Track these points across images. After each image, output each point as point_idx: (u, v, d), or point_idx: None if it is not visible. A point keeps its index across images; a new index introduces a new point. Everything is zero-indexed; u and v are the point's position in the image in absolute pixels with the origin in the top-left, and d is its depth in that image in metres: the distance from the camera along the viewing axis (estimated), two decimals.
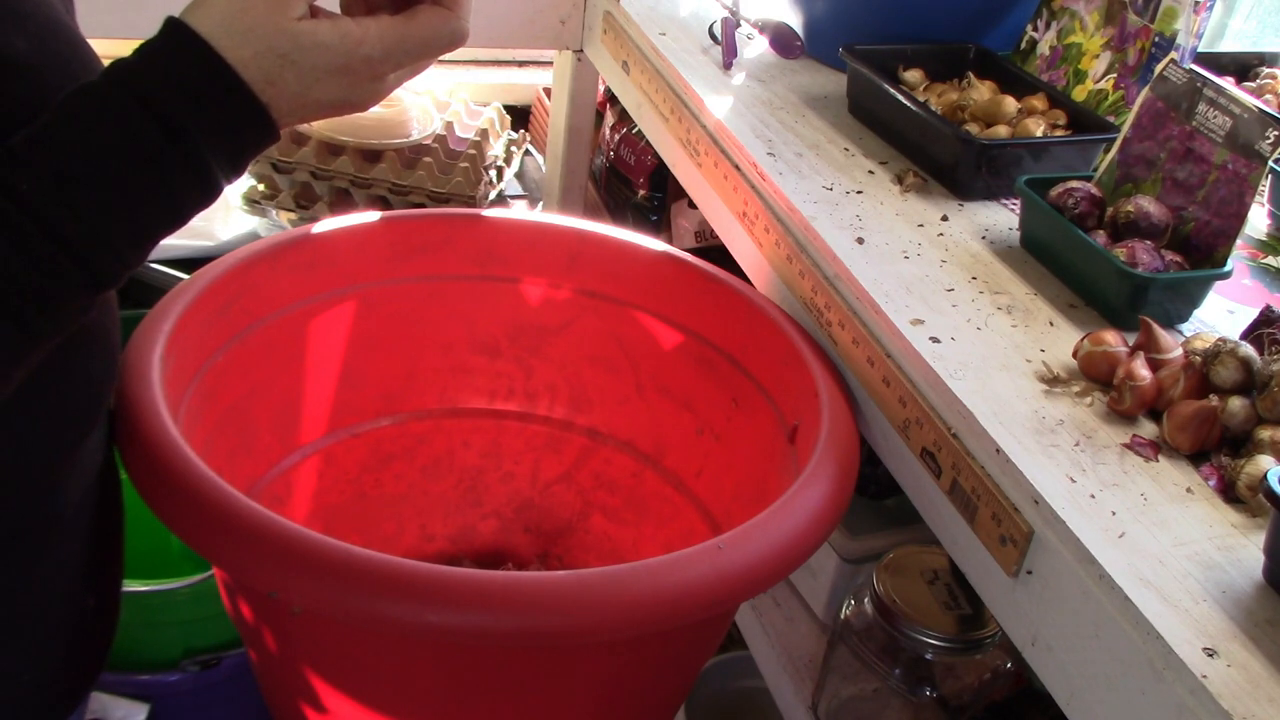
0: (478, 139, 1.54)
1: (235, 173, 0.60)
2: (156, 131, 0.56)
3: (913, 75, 1.13)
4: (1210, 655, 0.57)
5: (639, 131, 1.45)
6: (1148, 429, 0.74)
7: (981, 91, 1.08)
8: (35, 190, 0.53)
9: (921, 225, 0.94)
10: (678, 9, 1.31)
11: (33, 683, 0.72)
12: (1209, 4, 0.99)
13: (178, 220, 0.59)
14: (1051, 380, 0.76)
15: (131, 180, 0.56)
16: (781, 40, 1.23)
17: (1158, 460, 0.71)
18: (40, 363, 0.60)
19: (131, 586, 1.17)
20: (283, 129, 0.61)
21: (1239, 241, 0.88)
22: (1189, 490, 0.69)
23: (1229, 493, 0.69)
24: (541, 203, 1.62)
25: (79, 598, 0.74)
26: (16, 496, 0.66)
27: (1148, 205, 0.87)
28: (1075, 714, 0.64)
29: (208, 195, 0.59)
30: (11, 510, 0.66)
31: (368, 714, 0.78)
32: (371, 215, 1.02)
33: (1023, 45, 1.16)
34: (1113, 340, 0.77)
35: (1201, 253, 0.86)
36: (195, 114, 0.56)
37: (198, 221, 1.66)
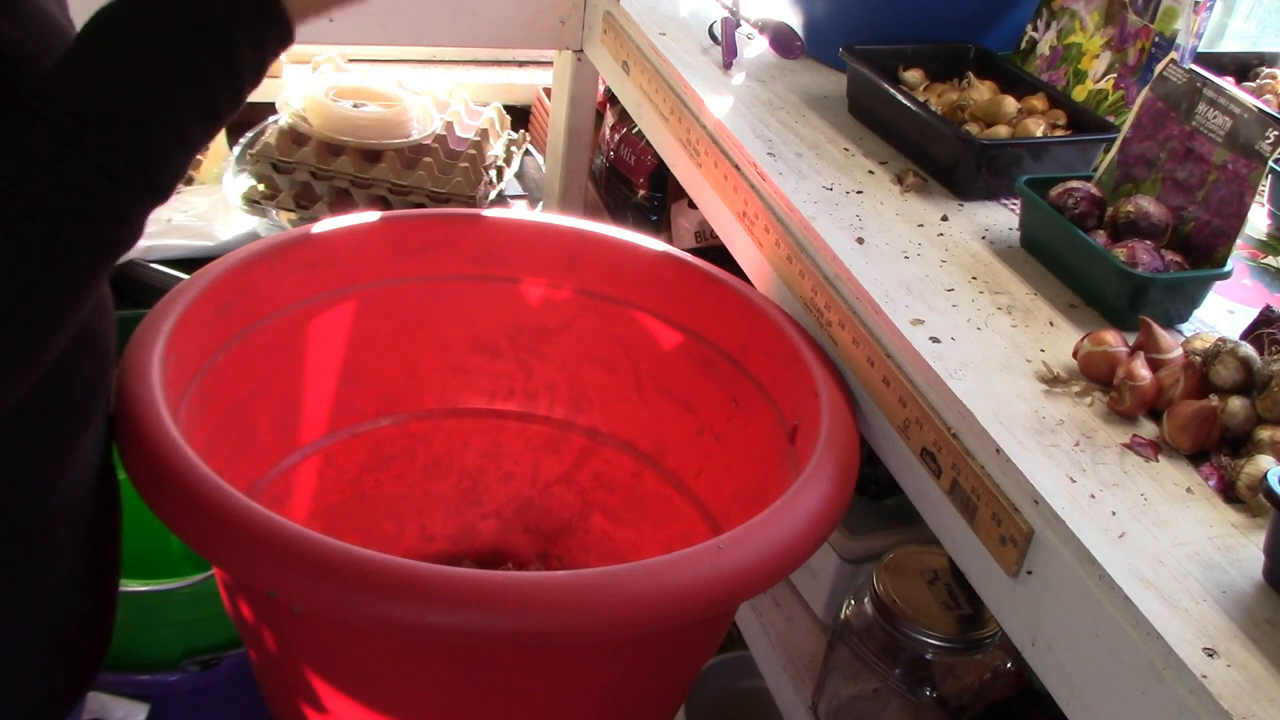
0: (478, 139, 1.54)
1: (257, 74, 0.62)
2: (186, 26, 0.58)
3: (913, 75, 1.13)
4: (1210, 655, 0.57)
5: (639, 131, 1.45)
6: (1148, 429, 0.74)
7: (981, 91, 1.08)
8: (82, 101, 0.55)
9: (921, 225, 0.94)
10: (678, 9, 1.31)
11: (28, 685, 0.72)
12: (1209, 4, 0.99)
13: (213, 118, 0.61)
14: (1051, 380, 0.76)
15: (166, 76, 0.58)
16: (781, 40, 1.23)
17: (1158, 460, 0.71)
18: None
19: (131, 586, 1.17)
20: (295, 25, 0.63)
21: (1239, 241, 0.88)
22: (1189, 490, 0.69)
23: (1229, 493, 0.69)
24: (541, 203, 1.62)
25: (75, 601, 0.74)
26: (12, 499, 0.66)
27: (1148, 205, 0.87)
28: (1075, 714, 0.64)
29: (237, 92, 0.61)
30: (7, 513, 0.66)
31: (368, 714, 0.78)
32: (371, 215, 1.02)
33: (1023, 45, 1.16)
34: (1113, 340, 0.77)
35: (1201, 253, 0.86)
36: (221, 5, 0.59)
37: (198, 221, 1.67)
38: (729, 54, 1.19)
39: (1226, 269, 0.85)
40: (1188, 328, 0.86)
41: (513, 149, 1.64)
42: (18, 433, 0.64)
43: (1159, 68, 0.90)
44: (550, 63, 1.55)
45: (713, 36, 1.23)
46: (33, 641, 0.72)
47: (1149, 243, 0.85)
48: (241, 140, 1.56)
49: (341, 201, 1.46)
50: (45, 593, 0.71)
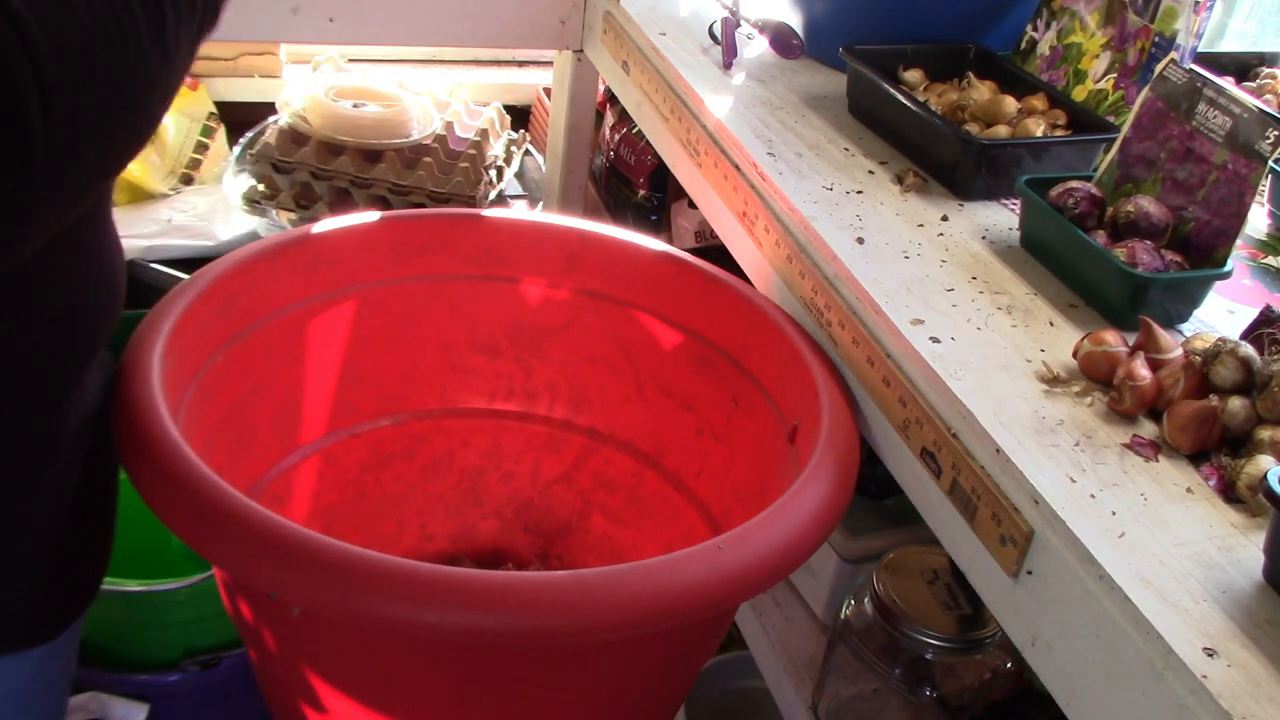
0: (478, 139, 1.54)
1: None
2: None
3: (913, 75, 1.13)
4: (1210, 655, 0.57)
5: (639, 131, 1.45)
6: (1148, 429, 0.74)
7: (981, 91, 1.08)
8: None
9: (921, 225, 0.94)
10: (678, 9, 1.31)
11: (20, 597, 0.75)
12: (1209, 4, 0.99)
13: None
14: (1051, 380, 0.76)
15: None
16: (781, 40, 1.23)
17: (1158, 460, 0.71)
18: (48, 283, 0.65)
19: (131, 586, 1.17)
20: None
21: (1239, 241, 0.88)
22: (1189, 490, 0.69)
23: (1229, 493, 0.69)
24: (541, 203, 1.62)
25: (74, 519, 0.77)
26: (25, 411, 0.69)
27: (1148, 205, 0.87)
28: (1075, 714, 0.64)
29: None
30: (20, 424, 0.69)
31: (368, 714, 0.78)
32: (371, 215, 1.02)
33: (1023, 45, 1.16)
34: (1113, 340, 0.77)
35: (1201, 253, 0.86)
36: None
37: (198, 221, 1.67)
38: (729, 54, 1.19)
39: (1226, 269, 0.85)
40: (1188, 328, 0.86)
41: (513, 149, 1.64)
42: (32, 351, 0.67)
43: (1159, 68, 0.90)
44: (550, 63, 1.55)
45: (713, 36, 1.23)
46: (30, 553, 0.74)
47: (1149, 243, 0.85)
48: (241, 140, 1.56)
49: (341, 201, 1.46)
50: (47, 507, 0.74)
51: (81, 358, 0.73)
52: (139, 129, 0.60)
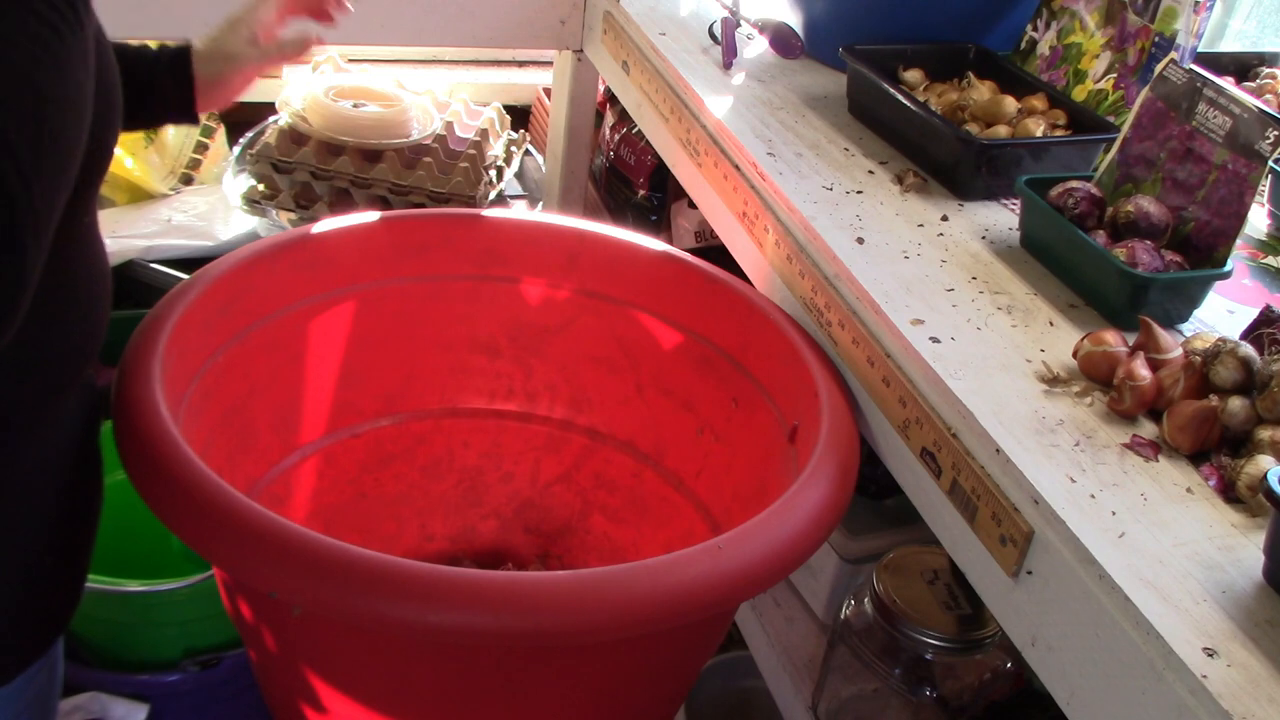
0: (478, 139, 1.54)
1: None
2: None
3: (913, 75, 1.13)
4: (1210, 655, 0.57)
5: (639, 131, 1.45)
6: (1148, 429, 0.74)
7: (981, 91, 1.08)
8: None
9: (921, 225, 0.94)
10: (678, 9, 1.31)
11: None
12: (1209, 4, 0.99)
13: None
14: (1051, 380, 0.76)
15: None
16: (781, 40, 1.23)
17: (1158, 460, 0.71)
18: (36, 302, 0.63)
19: (131, 586, 1.17)
20: None
21: (1239, 241, 0.88)
22: (1189, 490, 0.69)
23: (1229, 493, 0.69)
24: (541, 203, 1.62)
25: (40, 554, 0.75)
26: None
27: (1148, 205, 0.87)
28: (1075, 714, 0.64)
29: None
30: None
31: (368, 714, 0.78)
32: (371, 215, 1.02)
33: (1023, 45, 1.16)
34: (1113, 340, 0.77)
35: (1201, 253, 0.86)
36: None
37: (198, 221, 1.67)
38: (729, 54, 1.19)
39: (1226, 269, 0.85)
40: (1188, 328, 0.86)
41: (513, 149, 1.64)
42: (19, 365, 0.66)
43: (1159, 68, 0.90)
44: (550, 63, 1.55)
45: (713, 36, 1.23)
46: None
47: (1149, 243, 0.85)
48: (241, 140, 1.56)
49: (341, 201, 1.46)
50: (12, 542, 0.72)
51: (48, 395, 0.71)
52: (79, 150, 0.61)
